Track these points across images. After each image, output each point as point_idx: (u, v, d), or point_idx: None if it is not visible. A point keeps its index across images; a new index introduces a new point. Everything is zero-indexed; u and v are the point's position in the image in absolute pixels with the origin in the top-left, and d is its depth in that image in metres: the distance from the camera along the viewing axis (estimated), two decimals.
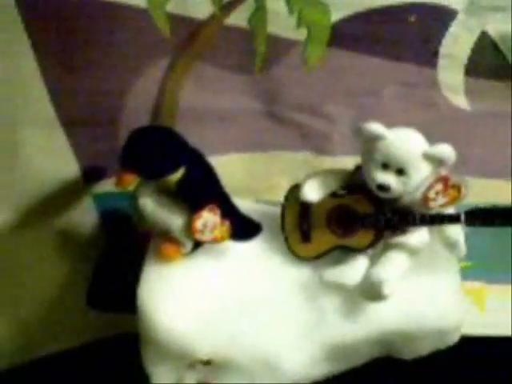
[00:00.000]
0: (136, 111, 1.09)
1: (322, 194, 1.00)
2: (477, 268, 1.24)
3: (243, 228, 1.03)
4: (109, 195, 1.16)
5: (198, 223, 0.94)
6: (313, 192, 0.99)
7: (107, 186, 1.14)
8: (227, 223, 0.97)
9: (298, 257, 1.04)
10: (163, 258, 0.98)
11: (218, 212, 0.96)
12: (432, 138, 0.92)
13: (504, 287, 1.30)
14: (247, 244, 1.03)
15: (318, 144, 1.18)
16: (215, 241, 0.97)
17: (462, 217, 0.91)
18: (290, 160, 1.19)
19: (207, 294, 0.97)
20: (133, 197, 0.98)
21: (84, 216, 1.19)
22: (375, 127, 0.91)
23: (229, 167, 1.13)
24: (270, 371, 0.97)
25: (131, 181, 0.93)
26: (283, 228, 1.05)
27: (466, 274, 1.08)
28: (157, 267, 0.99)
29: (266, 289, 1.00)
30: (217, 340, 0.94)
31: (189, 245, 0.99)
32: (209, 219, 0.95)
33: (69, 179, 1.13)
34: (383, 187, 0.92)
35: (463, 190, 0.91)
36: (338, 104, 1.12)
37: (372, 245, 0.96)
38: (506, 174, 1.19)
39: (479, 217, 0.91)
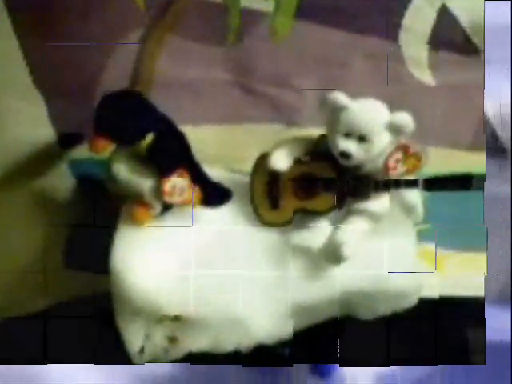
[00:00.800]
0: (113, 80, 1.12)
1: (291, 162, 1.03)
2: (435, 232, 1.25)
3: (213, 194, 1.06)
4: (85, 161, 1.19)
5: (167, 185, 0.97)
6: (281, 161, 1.03)
7: (83, 152, 1.17)
8: (197, 188, 1.00)
9: (267, 224, 1.07)
10: (134, 221, 1.02)
11: (188, 177, 0.99)
12: (397, 111, 0.94)
13: (461, 250, 1.31)
14: (217, 210, 1.06)
15: (288, 116, 1.21)
16: (184, 203, 1.00)
17: (420, 181, 0.95)
18: (262, 132, 1.21)
19: (176, 255, 1.01)
20: (107, 163, 1.02)
21: (60, 180, 1.22)
22: (339, 97, 0.95)
23: (202, 138, 1.15)
24: (236, 329, 1.01)
25: (103, 146, 0.96)
26: (252, 196, 1.08)
27: (424, 237, 1.12)
28: (129, 230, 1.02)
29: (233, 251, 1.03)
30: (185, 298, 0.98)
31: (158, 207, 1.02)
32: (178, 182, 0.98)
33: (45, 144, 1.16)
34: (345, 154, 0.96)
35: (423, 158, 0.95)
36: (306, 76, 1.14)
37: (333, 208, 1.00)
38: (464, 144, 1.22)
39: (436, 181, 0.95)
